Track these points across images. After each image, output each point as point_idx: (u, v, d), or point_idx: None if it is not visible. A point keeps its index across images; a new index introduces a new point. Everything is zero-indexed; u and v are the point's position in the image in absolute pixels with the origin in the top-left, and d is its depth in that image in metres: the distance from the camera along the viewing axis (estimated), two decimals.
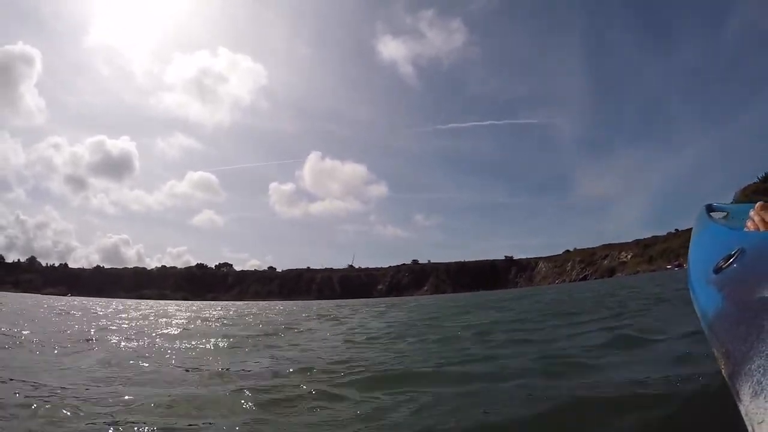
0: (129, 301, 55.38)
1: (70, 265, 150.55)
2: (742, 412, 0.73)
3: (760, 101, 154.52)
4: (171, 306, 37.39)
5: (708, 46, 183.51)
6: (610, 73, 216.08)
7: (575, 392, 3.44)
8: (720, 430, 2.37)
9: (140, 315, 19.53)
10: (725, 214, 2.11)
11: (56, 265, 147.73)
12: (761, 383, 0.70)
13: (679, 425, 2.68)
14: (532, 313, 12.75)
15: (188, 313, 22.61)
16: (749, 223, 1.50)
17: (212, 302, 75.76)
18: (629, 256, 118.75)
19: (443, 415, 3.23)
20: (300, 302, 65.24)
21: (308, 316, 19.38)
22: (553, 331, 7.68)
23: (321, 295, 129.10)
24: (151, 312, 23.05)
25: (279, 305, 43.26)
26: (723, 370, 0.86)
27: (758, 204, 1.51)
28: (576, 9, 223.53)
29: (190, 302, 66.09)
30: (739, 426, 0.72)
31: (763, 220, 1.45)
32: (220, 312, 25.15)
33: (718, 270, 1.17)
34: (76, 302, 39.26)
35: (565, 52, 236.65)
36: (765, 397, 0.68)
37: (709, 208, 2.13)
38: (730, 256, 1.16)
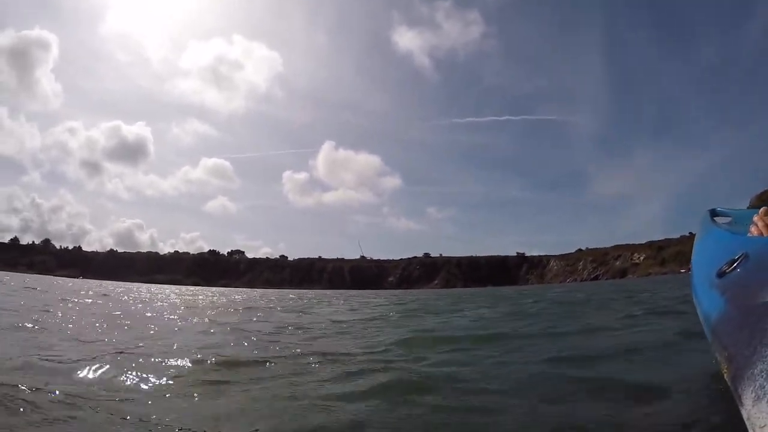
0: (128, 284, 55.14)
1: (83, 248, 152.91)
2: (744, 417, 0.73)
3: None
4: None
5: (729, 46, 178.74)
6: (627, 71, 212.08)
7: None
8: None
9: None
10: (729, 219, 2.08)
11: (70, 248, 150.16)
12: (764, 387, 0.70)
13: (681, 429, 2.62)
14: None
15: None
16: (753, 229, 1.51)
17: (221, 288, 75.88)
18: (642, 258, 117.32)
19: None
20: (310, 291, 64.91)
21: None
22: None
23: (331, 285, 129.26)
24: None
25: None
26: (725, 374, 0.85)
27: (762, 209, 1.53)
28: (594, 4, 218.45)
29: (190, 288, 66.06)
30: (742, 430, 0.72)
31: (766, 225, 1.46)
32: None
33: (721, 274, 1.18)
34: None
35: (583, 48, 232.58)
36: (767, 402, 0.68)
37: (713, 213, 2.11)
38: (734, 261, 1.16)
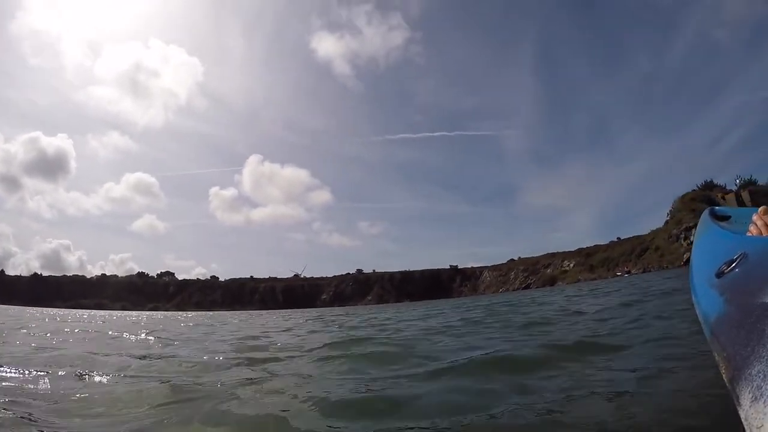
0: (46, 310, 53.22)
1: (7, 272, 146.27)
2: (742, 417, 0.74)
3: (706, 114, 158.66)
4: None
5: (655, 61, 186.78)
6: (558, 85, 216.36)
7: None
8: None
9: None
10: (728, 218, 2.06)
11: None
12: (761, 388, 0.71)
13: (679, 429, 2.67)
14: None
15: None
16: (752, 228, 1.49)
17: (143, 312, 73.94)
18: (571, 265, 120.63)
19: None
20: (234, 312, 64.39)
21: None
22: None
23: (264, 306, 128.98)
24: None
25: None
26: (723, 375, 0.86)
27: (761, 208, 1.50)
28: (525, 17, 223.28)
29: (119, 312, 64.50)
30: (739, 430, 0.73)
31: (765, 224, 1.44)
32: None
33: (720, 274, 1.17)
34: None
35: (514, 61, 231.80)
36: (765, 402, 0.69)
37: (713, 212, 2.09)
38: (733, 261, 1.15)
